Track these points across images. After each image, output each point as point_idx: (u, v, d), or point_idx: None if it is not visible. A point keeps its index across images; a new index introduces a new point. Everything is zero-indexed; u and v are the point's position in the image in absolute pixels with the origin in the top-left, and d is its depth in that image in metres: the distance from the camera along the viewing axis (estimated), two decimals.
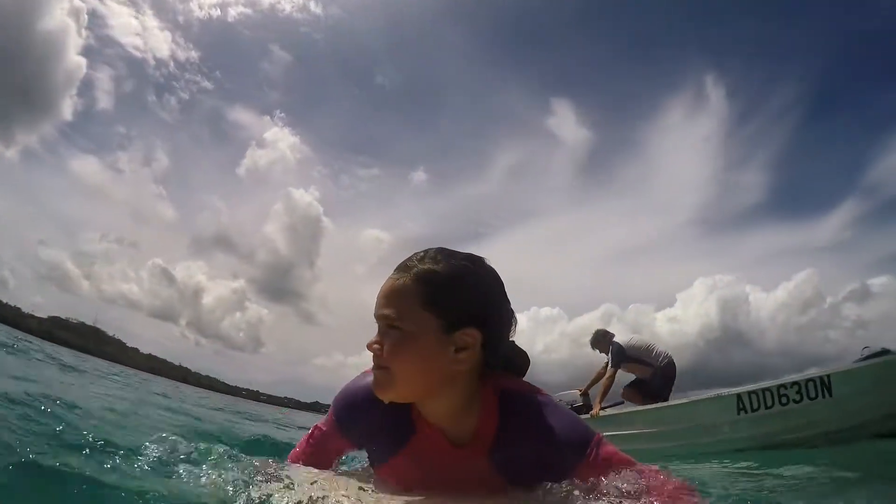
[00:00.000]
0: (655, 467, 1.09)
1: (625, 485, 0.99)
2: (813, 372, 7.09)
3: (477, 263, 1.13)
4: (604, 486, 1.00)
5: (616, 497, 0.98)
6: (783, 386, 7.02)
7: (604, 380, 6.29)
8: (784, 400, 7.00)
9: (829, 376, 6.84)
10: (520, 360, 1.23)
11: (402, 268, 1.09)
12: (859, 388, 6.69)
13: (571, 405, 6.70)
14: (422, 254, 1.11)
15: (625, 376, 6.48)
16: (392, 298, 1.06)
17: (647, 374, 6.21)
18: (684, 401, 7.16)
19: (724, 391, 7.40)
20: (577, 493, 1.02)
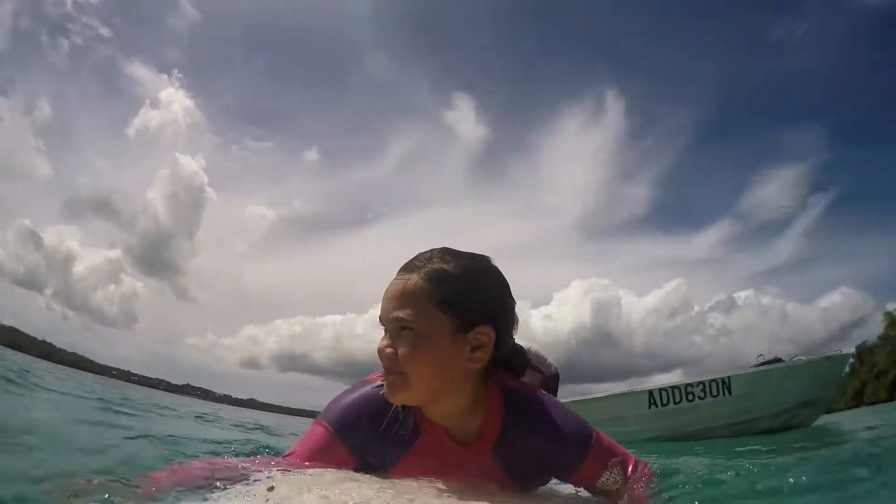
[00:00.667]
0: (643, 463, 1.19)
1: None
2: (715, 374, 8.40)
3: (484, 262, 1.12)
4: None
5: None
6: (690, 385, 8.47)
7: None
8: (690, 397, 8.32)
9: (729, 378, 8.41)
10: (519, 358, 1.23)
11: (410, 268, 1.07)
12: (754, 389, 8.24)
13: None
14: (428, 254, 1.09)
15: None
16: (405, 299, 1.03)
17: (538, 381, 7.06)
18: (602, 395, 8.17)
19: (638, 388, 8.77)
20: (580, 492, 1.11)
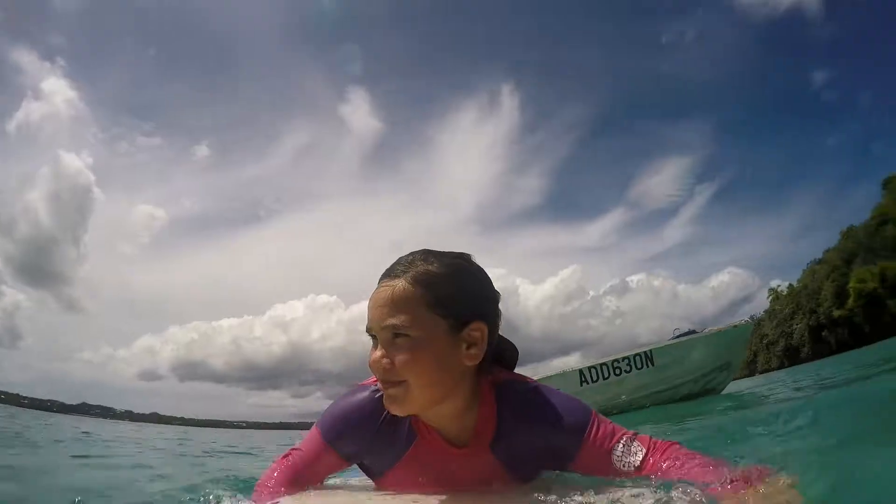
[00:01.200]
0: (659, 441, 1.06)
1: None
2: (638, 349, 9.18)
3: (466, 259, 1.11)
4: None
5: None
6: (616, 360, 9.20)
7: None
8: (618, 371, 9.06)
9: (651, 351, 9.14)
10: (510, 352, 1.22)
11: (393, 273, 1.03)
12: (674, 358, 9.04)
13: None
14: (409, 257, 1.06)
15: None
16: (396, 306, 0.99)
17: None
18: (537, 378, 8.82)
19: (569, 369, 9.50)
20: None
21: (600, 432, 1.04)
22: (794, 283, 58.43)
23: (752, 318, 12.42)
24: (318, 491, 1.13)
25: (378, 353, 1.00)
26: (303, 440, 1.18)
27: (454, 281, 1.03)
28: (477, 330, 1.03)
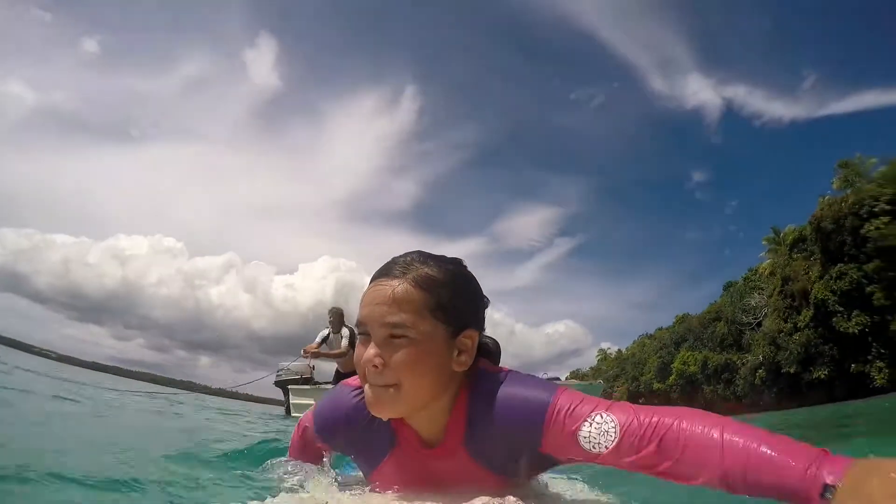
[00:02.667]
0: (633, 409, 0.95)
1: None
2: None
3: (461, 266, 1.12)
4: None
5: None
6: None
7: (338, 352, 7.22)
8: None
9: None
10: (495, 348, 1.23)
11: (392, 273, 1.03)
12: None
13: (301, 375, 7.94)
14: (406, 258, 1.06)
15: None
16: (398, 306, 0.98)
17: (344, 355, 7.12)
18: None
19: None
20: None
21: (562, 412, 0.96)
22: (623, 350, 63.33)
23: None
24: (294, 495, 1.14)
25: (372, 350, 0.98)
26: (304, 419, 1.30)
27: (453, 287, 1.04)
28: (469, 338, 1.04)
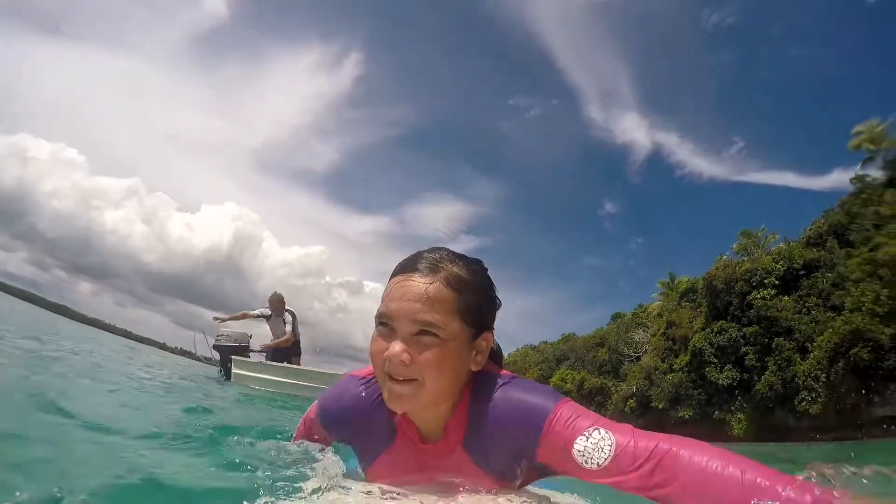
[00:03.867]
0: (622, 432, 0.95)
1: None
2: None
3: (484, 268, 1.12)
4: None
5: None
6: None
7: (286, 339, 7.96)
8: None
9: None
10: (497, 349, 1.23)
11: (422, 269, 1.02)
12: None
13: (239, 343, 8.26)
14: (433, 255, 1.06)
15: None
16: (431, 304, 0.98)
17: (291, 342, 7.99)
18: (323, 370, 7.59)
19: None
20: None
21: (560, 424, 0.97)
22: (505, 355, 65.49)
23: None
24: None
25: (399, 345, 0.97)
26: (310, 411, 1.35)
27: (481, 290, 1.06)
28: (485, 339, 1.07)
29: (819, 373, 22.31)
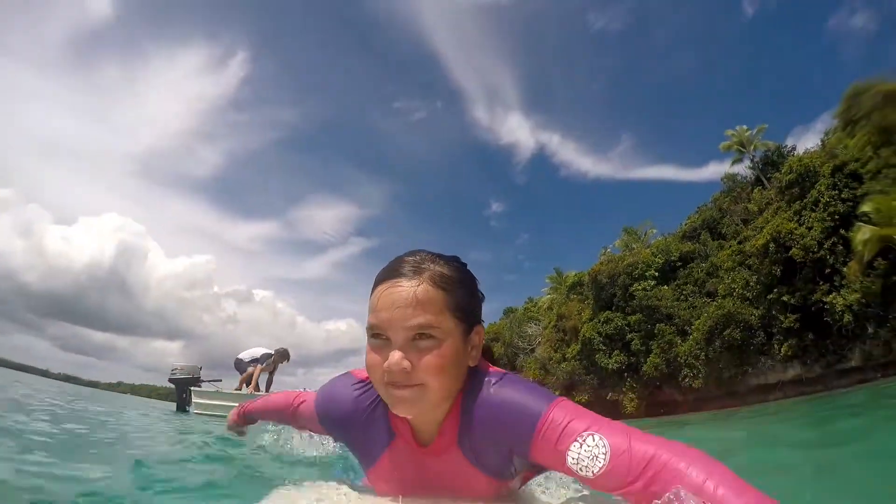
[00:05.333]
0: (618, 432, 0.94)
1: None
2: None
3: (463, 263, 1.13)
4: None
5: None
6: None
7: (259, 373, 8.90)
8: None
9: None
10: (487, 346, 1.21)
11: (404, 274, 1.01)
12: None
13: (192, 375, 9.02)
14: (415, 258, 1.05)
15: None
16: (422, 307, 0.98)
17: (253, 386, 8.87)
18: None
19: None
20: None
21: (553, 427, 0.95)
22: None
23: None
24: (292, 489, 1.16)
25: (397, 354, 0.96)
26: (307, 396, 1.36)
27: (466, 285, 1.07)
28: (478, 333, 1.08)
29: (699, 352, 25.13)
